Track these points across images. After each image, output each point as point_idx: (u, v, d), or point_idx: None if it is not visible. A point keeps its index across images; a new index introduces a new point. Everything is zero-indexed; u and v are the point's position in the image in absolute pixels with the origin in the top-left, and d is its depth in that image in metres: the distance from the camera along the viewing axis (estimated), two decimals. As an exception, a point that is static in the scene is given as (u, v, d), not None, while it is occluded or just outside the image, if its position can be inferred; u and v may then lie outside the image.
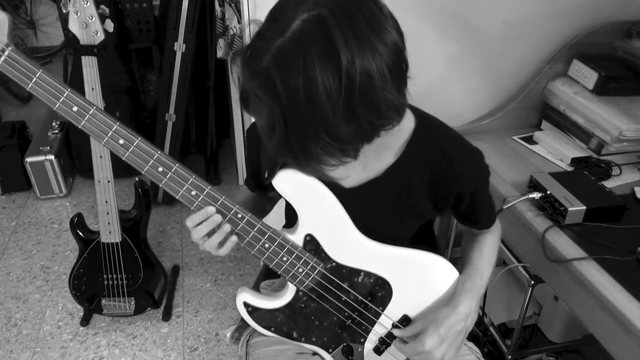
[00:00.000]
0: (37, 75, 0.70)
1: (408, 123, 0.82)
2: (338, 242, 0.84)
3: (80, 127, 0.73)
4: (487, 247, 0.96)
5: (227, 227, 0.78)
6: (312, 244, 0.83)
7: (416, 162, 0.82)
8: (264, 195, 1.04)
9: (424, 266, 0.88)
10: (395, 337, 0.94)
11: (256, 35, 0.61)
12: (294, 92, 0.57)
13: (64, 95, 0.71)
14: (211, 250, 0.80)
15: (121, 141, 0.73)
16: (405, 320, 0.91)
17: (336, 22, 0.56)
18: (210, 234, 0.78)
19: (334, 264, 0.85)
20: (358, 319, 0.91)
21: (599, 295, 1.01)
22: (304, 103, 0.57)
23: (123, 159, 0.75)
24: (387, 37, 0.59)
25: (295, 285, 0.87)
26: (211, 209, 0.77)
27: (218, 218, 0.77)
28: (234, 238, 0.79)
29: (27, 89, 0.70)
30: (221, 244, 0.79)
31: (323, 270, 0.85)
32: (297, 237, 0.83)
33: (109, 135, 0.73)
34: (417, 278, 0.89)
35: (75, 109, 0.72)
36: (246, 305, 0.90)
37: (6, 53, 0.69)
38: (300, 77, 0.56)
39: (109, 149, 0.74)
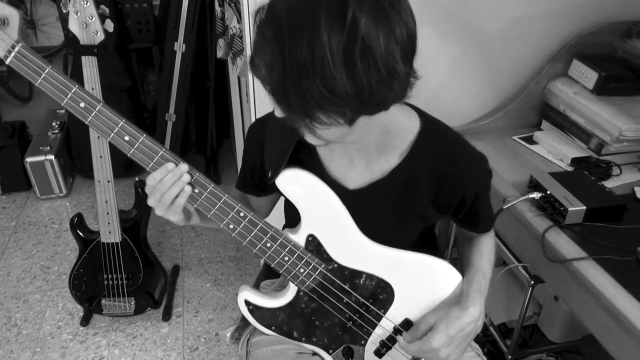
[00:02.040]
0: (45, 72, 0.70)
1: (413, 125, 0.82)
2: (340, 244, 0.84)
3: (87, 122, 0.73)
4: (487, 248, 0.96)
5: (186, 177, 0.76)
6: (314, 244, 0.83)
7: (420, 164, 0.82)
8: (245, 200, 1.03)
9: (427, 269, 0.88)
10: (396, 341, 0.94)
11: None
12: (297, 32, 0.58)
13: (72, 91, 0.72)
14: (164, 208, 0.77)
15: (127, 137, 0.74)
16: (406, 324, 0.91)
17: None
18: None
19: (335, 265, 0.85)
20: (359, 320, 0.91)
21: (599, 295, 1.00)
22: (304, 45, 0.57)
23: (128, 155, 0.75)
24: (402, 13, 0.60)
25: (296, 285, 0.87)
26: (171, 165, 0.75)
27: (173, 167, 0.75)
28: (187, 188, 0.76)
29: (36, 85, 0.71)
30: (176, 197, 0.77)
31: (324, 271, 0.85)
32: (299, 238, 0.83)
33: (114, 131, 0.74)
34: (419, 281, 0.89)
35: (82, 105, 0.72)
36: (247, 303, 0.90)
37: (16, 49, 0.69)
38: (306, 19, 0.57)
39: (114, 145, 0.75)
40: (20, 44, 0.69)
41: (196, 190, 0.77)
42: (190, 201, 0.78)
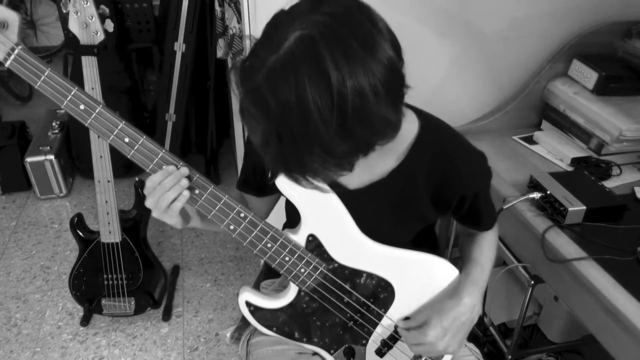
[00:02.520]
0: (45, 74, 0.71)
1: (412, 126, 0.82)
2: (341, 243, 0.84)
3: (86, 125, 0.73)
4: (487, 243, 0.96)
5: (184, 182, 0.75)
6: (314, 244, 0.83)
7: (420, 165, 0.82)
8: (244, 202, 1.02)
9: (427, 268, 0.89)
10: (397, 340, 0.94)
11: (251, 52, 0.62)
12: (287, 110, 0.57)
13: (72, 93, 0.72)
14: (162, 211, 0.77)
15: (126, 139, 0.74)
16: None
17: (326, 43, 0.56)
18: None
19: (336, 264, 0.85)
20: (360, 320, 0.91)
21: (599, 295, 1.00)
22: (296, 120, 0.57)
23: (128, 157, 0.75)
24: (381, 54, 0.59)
25: (297, 285, 0.87)
26: (172, 168, 0.75)
27: (173, 170, 0.75)
28: (186, 192, 0.76)
29: (36, 87, 0.71)
30: (174, 200, 0.77)
31: (325, 271, 0.85)
32: (299, 238, 0.83)
33: (114, 133, 0.74)
34: (420, 280, 0.89)
35: (82, 107, 0.72)
36: (248, 304, 0.90)
37: (16, 52, 0.70)
38: (293, 95, 0.56)
39: (114, 146, 0.75)
40: (20, 47, 0.70)
41: (196, 192, 0.77)
42: (191, 202, 0.78)
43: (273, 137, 0.60)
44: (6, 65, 0.70)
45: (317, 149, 0.59)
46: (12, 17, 0.69)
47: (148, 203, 0.77)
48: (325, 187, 0.80)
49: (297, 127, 0.58)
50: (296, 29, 0.57)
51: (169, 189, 0.75)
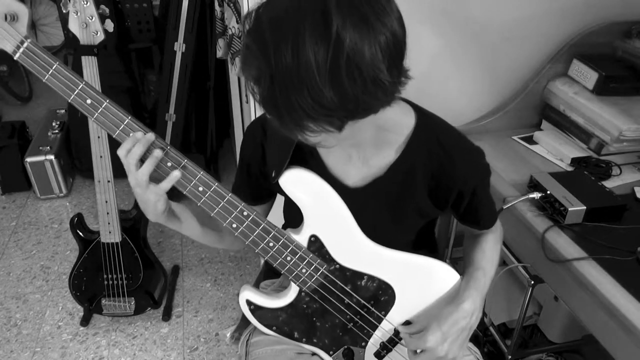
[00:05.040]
0: (53, 68, 0.71)
1: (409, 119, 0.82)
2: (342, 245, 0.84)
3: (93, 119, 0.74)
4: (489, 246, 0.96)
5: (157, 153, 0.74)
6: (316, 245, 0.83)
7: (417, 159, 0.82)
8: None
9: (429, 273, 0.89)
10: (396, 343, 0.94)
11: (265, 1, 0.63)
12: (283, 47, 0.58)
13: (79, 87, 0.72)
14: (143, 185, 0.75)
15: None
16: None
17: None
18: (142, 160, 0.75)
19: (337, 266, 0.85)
20: (360, 322, 0.91)
21: (599, 295, 1.00)
22: (290, 59, 0.58)
23: None
24: (387, 20, 0.60)
25: (298, 285, 0.87)
26: (139, 134, 0.74)
27: (143, 137, 0.74)
28: (176, 172, 0.75)
29: (44, 80, 0.71)
30: (156, 180, 0.76)
31: (326, 272, 0.85)
32: (301, 238, 0.83)
33: (120, 128, 0.74)
34: (421, 284, 0.89)
35: (89, 101, 0.73)
36: (249, 303, 0.90)
37: (25, 45, 0.70)
38: (291, 34, 0.58)
39: (121, 142, 0.75)
40: (29, 40, 0.70)
41: (200, 189, 0.77)
42: (195, 199, 0.78)
43: (265, 75, 0.60)
44: (15, 58, 0.70)
45: (306, 93, 0.59)
46: (22, 10, 0.70)
47: (130, 178, 0.76)
48: (327, 185, 0.80)
49: (290, 66, 0.58)
50: None
51: (138, 157, 0.73)
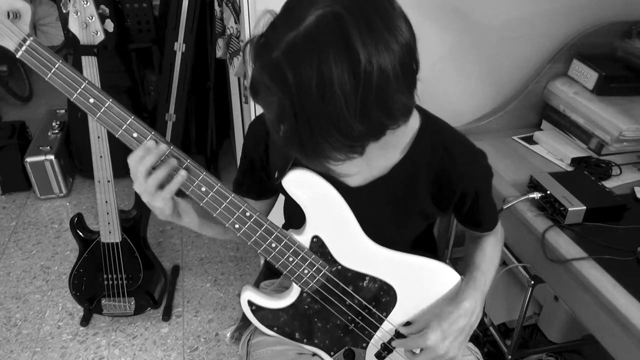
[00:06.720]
0: (56, 66, 0.70)
1: (413, 121, 0.82)
2: (345, 246, 0.84)
3: (95, 118, 0.73)
4: (490, 247, 0.96)
5: (173, 161, 0.73)
6: (318, 246, 0.83)
7: (421, 160, 0.82)
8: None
9: (430, 274, 0.89)
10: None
11: (269, 26, 0.61)
12: (307, 86, 0.56)
13: (82, 86, 0.72)
14: (151, 193, 0.74)
15: (135, 135, 0.74)
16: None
17: (353, 19, 0.56)
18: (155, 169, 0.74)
19: (339, 267, 0.85)
20: (361, 323, 0.91)
21: (599, 295, 1.01)
22: (316, 98, 0.57)
23: None
24: (401, 36, 0.59)
25: (300, 286, 0.87)
26: (150, 143, 0.73)
27: (156, 147, 0.73)
28: (182, 173, 0.74)
29: (46, 79, 0.71)
30: (164, 183, 0.74)
31: (328, 273, 0.85)
32: (304, 239, 0.83)
33: (123, 128, 0.73)
34: (422, 286, 0.89)
35: (92, 100, 0.72)
36: (250, 303, 0.90)
37: (27, 43, 0.69)
38: (314, 71, 0.56)
39: (123, 141, 0.74)
40: (31, 38, 0.69)
41: (203, 189, 0.77)
42: (197, 199, 0.78)
43: (289, 113, 0.59)
44: (18, 56, 0.69)
45: (332, 129, 0.58)
46: (25, 8, 0.69)
47: (136, 186, 0.75)
48: (330, 187, 0.80)
49: (316, 104, 0.57)
50: (319, 6, 0.57)
51: (149, 167, 0.72)
